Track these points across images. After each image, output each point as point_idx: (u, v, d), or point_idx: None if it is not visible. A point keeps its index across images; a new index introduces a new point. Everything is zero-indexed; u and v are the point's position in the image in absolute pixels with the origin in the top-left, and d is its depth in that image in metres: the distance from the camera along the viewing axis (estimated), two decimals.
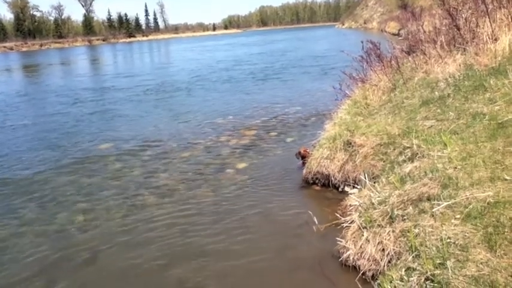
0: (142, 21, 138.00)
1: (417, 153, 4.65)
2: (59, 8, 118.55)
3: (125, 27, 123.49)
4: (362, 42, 8.37)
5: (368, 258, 3.81)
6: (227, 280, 4.21)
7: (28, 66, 41.01)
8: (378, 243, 3.78)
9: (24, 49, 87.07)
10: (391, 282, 3.24)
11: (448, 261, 3.00)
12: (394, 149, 5.20)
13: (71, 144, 9.71)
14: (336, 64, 19.54)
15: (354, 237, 4.05)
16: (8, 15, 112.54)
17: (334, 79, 8.94)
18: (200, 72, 23.55)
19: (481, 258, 2.94)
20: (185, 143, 9.10)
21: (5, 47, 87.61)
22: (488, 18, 6.99)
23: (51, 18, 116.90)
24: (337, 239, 4.23)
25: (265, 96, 14.38)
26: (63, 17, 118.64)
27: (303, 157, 6.71)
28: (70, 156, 8.73)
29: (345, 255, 4.03)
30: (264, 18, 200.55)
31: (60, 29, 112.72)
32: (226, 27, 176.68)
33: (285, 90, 15.25)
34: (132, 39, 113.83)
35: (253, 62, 27.34)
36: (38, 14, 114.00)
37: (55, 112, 14.11)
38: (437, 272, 2.99)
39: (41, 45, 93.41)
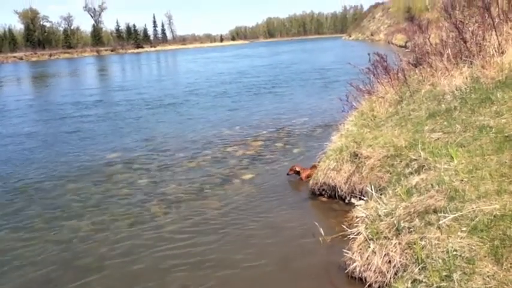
0: (150, 32, 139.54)
1: (424, 166, 4.66)
2: (68, 19, 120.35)
3: (133, 38, 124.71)
4: (369, 54, 8.42)
5: (374, 270, 3.82)
6: None
7: (34, 76, 41.61)
8: (385, 255, 3.78)
9: (33, 59, 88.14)
10: None
11: (454, 274, 3.00)
12: (401, 161, 5.21)
13: (78, 153, 9.81)
14: (341, 77, 19.29)
15: (360, 249, 4.05)
16: (18, 26, 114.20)
17: (339, 92, 8.95)
18: (198, 85, 22.95)
19: (488, 271, 2.94)
20: (191, 154, 9.16)
21: (15, 57, 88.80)
22: (495, 31, 7.03)
23: (61, 29, 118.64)
24: (344, 250, 4.23)
25: (265, 111, 14.01)
26: (72, 27, 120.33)
27: (296, 173, 7.02)
28: (78, 164, 8.82)
29: (351, 267, 4.03)
30: (271, 30, 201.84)
31: (69, 39, 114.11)
32: (233, 39, 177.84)
33: (288, 104, 15.22)
34: (140, 50, 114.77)
35: (256, 75, 26.74)
36: (47, 24, 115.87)
37: (59, 121, 14.28)
38: (443, 284, 2.99)
39: (50, 56, 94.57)
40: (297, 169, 7.02)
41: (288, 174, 7.12)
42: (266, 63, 38.66)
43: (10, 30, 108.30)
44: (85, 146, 10.52)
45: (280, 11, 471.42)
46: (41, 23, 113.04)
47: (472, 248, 3.17)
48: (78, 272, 4.71)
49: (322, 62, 34.50)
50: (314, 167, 6.85)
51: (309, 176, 6.75)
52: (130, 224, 5.83)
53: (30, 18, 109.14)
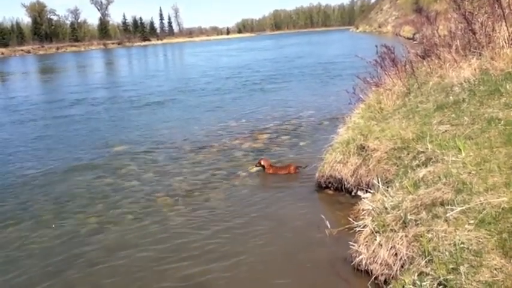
0: (157, 25, 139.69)
1: (431, 158, 4.62)
2: (75, 12, 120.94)
3: (139, 31, 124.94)
4: (376, 46, 8.34)
5: (381, 263, 3.81)
6: (238, 281, 4.24)
7: (39, 71, 41.85)
8: (391, 247, 3.77)
9: (41, 52, 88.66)
10: (403, 287, 3.22)
11: (461, 267, 2.98)
12: (408, 154, 5.18)
13: (85, 145, 9.86)
14: (348, 71, 18.76)
15: (367, 242, 4.04)
16: (25, 19, 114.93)
17: (345, 86, 8.82)
18: (194, 81, 22.43)
19: (495, 264, 2.91)
20: (197, 147, 9.17)
21: (22, 50, 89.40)
22: (505, 22, 6.92)
23: (68, 22, 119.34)
24: (350, 243, 4.22)
25: (271, 105, 13.85)
26: (79, 20, 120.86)
27: (262, 166, 7.21)
28: (84, 157, 8.86)
29: (357, 260, 4.03)
30: (277, 22, 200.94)
31: (76, 32, 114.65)
32: (240, 31, 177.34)
33: (294, 98, 15.13)
34: (147, 43, 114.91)
35: (257, 70, 26.06)
36: (54, 17, 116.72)
37: (68, 115, 14.36)
38: (450, 277, 2.97)
39: (57, 49, 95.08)
40: (262, 163, 7.22)
41: (255, 166, 7.31)
42: (271, 56, 38.24)
43: (18, 23, 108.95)
44: (91, 138, 10.58)
45: (287, 3, 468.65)
46: (48, 16, 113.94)
47: (479, 241, 3.15)
48: (85, 264, 4.75)
49: (329, 55, 34.21)
50: (283, 167, 7.24)
51: (271, 173, 7.09)
52: (137, 216, 5.87)
53: (38, 11, 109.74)
